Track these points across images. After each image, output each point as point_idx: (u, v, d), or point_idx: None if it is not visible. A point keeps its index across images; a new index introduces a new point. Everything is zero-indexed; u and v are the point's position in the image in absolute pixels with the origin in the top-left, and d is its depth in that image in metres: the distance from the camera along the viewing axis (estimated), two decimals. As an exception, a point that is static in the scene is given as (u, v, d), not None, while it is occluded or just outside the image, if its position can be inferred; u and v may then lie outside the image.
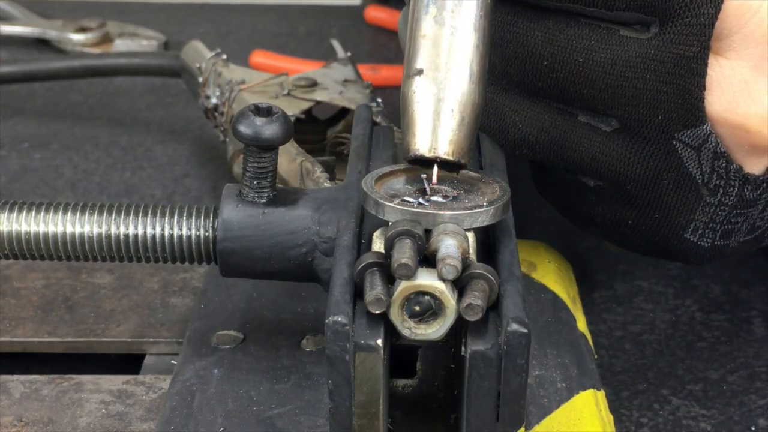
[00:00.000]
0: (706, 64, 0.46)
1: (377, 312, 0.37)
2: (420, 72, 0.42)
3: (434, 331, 0.38)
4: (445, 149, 0.42)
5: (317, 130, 0.68)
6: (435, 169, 0.42)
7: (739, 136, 0.47)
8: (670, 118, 0.47)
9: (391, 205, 0.40)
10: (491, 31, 0.44)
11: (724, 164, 0.47)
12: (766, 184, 0.48)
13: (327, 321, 0.37)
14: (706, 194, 0.48)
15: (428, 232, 0.39)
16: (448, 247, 0.38)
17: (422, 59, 0.43)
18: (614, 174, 0.49)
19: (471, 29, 0.43)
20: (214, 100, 0.72)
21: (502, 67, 0.49)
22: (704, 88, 0.46)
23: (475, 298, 0.37)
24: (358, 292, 0.38)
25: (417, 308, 0.37)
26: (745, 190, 0.48)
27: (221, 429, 0.45)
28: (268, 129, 0.44)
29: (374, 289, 0.37)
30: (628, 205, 0.50)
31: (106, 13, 1.08)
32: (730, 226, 0.49)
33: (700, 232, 0.50)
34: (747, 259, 0.64)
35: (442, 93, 0.42)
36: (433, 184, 0.42)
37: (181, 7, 1.16)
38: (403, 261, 0.37)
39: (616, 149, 0.48)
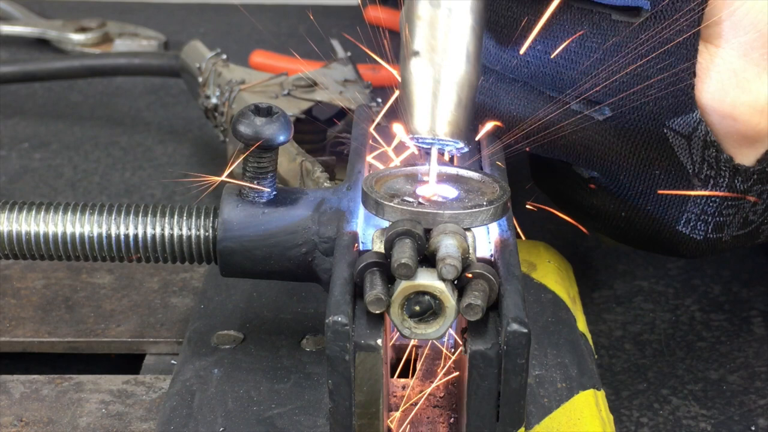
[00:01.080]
0: (695, 50, 0.46)
1: (377, 312, 0.37)
2: (417, 54, 0.43)
3: (434, 330, 0.38)
4: (444, 130, 0.42)
5: (317, 130, 0.68)
6: (434, 149, 0.42)
7: (727, 125, 0.47)
8: (660, 105, 0.47)
9: (391, 205, 0.40)
10: (486, 13, 0.44)
11: (714, 154, 0.47)
12: (756, 176, 0.48)
13: (327, 321, 0.37)
14: (697, 185, 0.48)
15: (428, 232, 0.39)
16: (448, 247, 0.38)
17: (419, 41, 0.43)
18: (607, 163, 0.49)
19: (467, 10, 0.43)
20: (214, 100, 0.72)
21: (497, 53, 0.50)
22: (694, 75, 0.46)
23: (475, 298, 0.37)
24: (358, 292, 0.38)
25: (417, 308, 0.37)
26: (736, 181, 0.48)
27: (221, 429, 0.45)
28: (268, 129, 0.45)
29: (374, 289, 0.37)
30: (622, 197, 0.50)
31: (106, 13, 1.08)
32: (722, 219, 0.50)
33: (692, 224, 0.50)
34: (747, 259, 0.64)
35: (439, 74, 0.42)
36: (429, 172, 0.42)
37: (181, 7, 1.16)
38: (403, 261, 0.37)
39: (608, 138, 0.49)
